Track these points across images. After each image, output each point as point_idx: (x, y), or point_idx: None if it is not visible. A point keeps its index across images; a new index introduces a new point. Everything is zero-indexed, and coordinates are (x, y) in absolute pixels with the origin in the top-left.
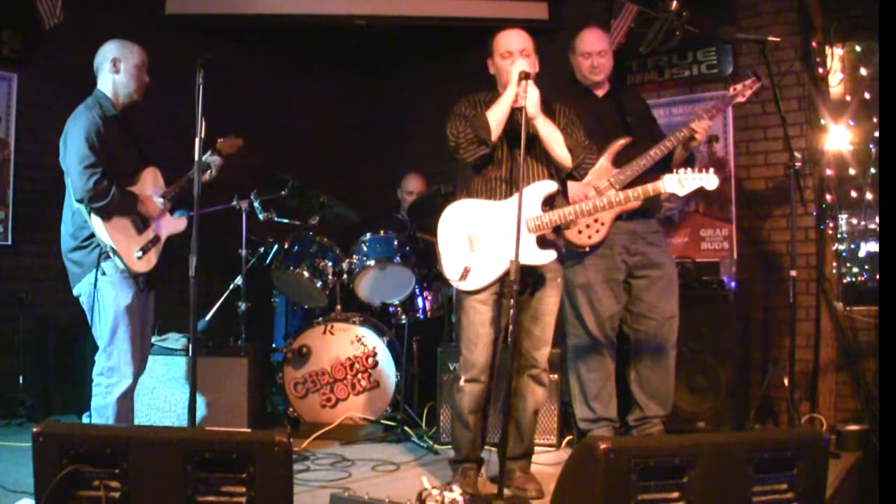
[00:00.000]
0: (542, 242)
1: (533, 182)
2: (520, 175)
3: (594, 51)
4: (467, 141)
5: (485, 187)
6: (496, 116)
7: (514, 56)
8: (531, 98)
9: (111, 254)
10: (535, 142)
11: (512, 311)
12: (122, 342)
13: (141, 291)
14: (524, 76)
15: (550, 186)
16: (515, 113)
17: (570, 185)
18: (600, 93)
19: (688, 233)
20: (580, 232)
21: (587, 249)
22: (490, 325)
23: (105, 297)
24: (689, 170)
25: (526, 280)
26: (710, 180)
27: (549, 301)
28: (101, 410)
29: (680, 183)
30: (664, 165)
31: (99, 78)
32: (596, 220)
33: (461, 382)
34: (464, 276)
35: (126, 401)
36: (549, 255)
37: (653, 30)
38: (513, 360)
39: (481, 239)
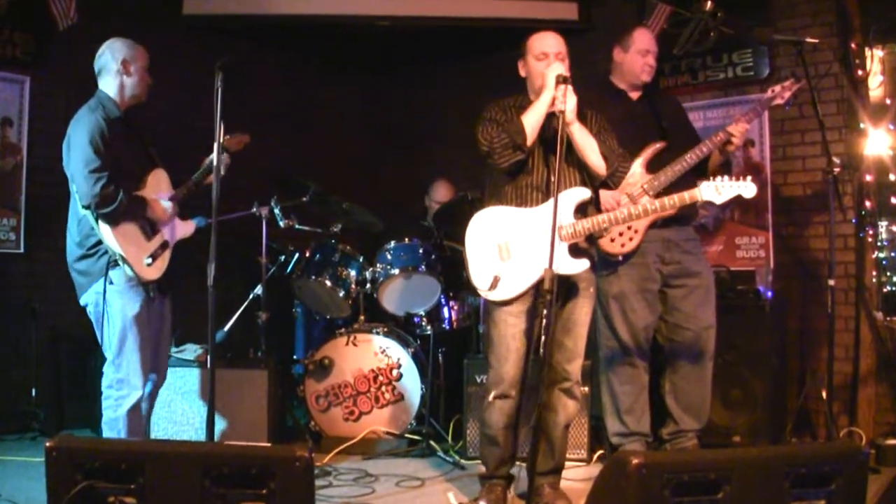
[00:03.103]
0: (575, 251)
1: (566, 189)
2: (555, 182)
3: (652, 49)
4: (502, 146)
5: (516, 194)
6: (532, 121)
7: (550, 58)
8: (570, 103)
9: (120, 262)
10: (568, 148)
11: (545, 321)
12: (130, 353)
13: (151, 299)
14: (562, 80)
15: (584, 193)
16: (550, 118)
17: (602, 191)
18: (635, 95)
19: (723, 241)
20: (613, 240)
21: (620, 258)
22: (522, 338)
23: (113, 307)
24: (726, 177)
25: (558, 290)
26: (748, 188)
27: (582, 312)
28: (111, 424)
29: (717, 191)
30: (700, 171)
31: (102, 79)
32: (629, 228)
33: (490, 398)
34: (493, 286)
35: (137, 413)
36: (583, 265)
37: (686, 31)
38: (544, 373)
39: (512, 247)
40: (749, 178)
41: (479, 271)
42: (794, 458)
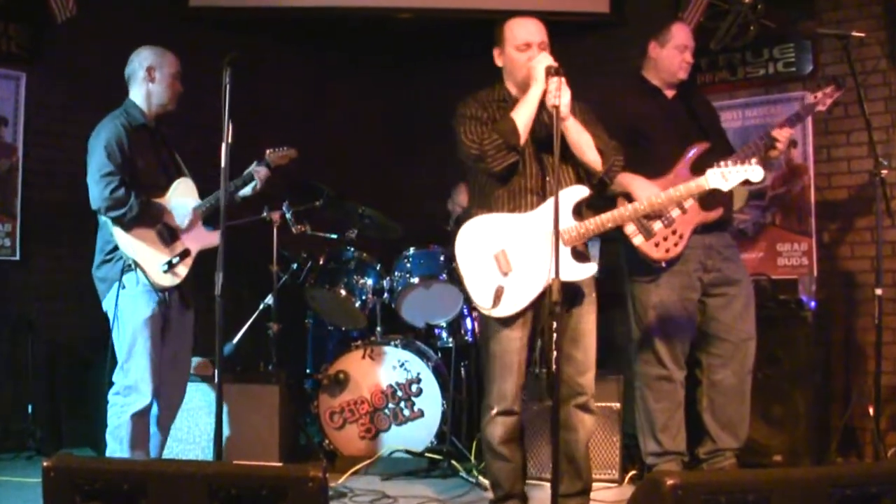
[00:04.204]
0: (578, 255)
1: (561, 189)
2: (555, 182)
3: (690, 45)
4: (495, 148)
5: (509, 199)
6: (525, 118)
7: (534, 49)
8: (564, 97)
9: (133, 267)
10: (560, 143)
11: (556, 335)
12: (139, 357)
13: (168, 308)
14: (554, 72)
15: (582, 192)
16: (539, 113)
17: (644, 190)
18: (670, 93)
19: (763, 247)
20: (657, 245)
21: (663, 264)
22: (523, 352)
23: (124, 312)
24: (729, 162)
25: (563, 299)
26: (754, 172)
27: (588, 319)
28: (115, 432)
29: (724, 177)
30: None
31: (131, 87)
32: (674, 233)
33: (493, 414)
34: (496, 303)
35: (143, 420)
36: (590, 269)
37: (725, 24)
38: (558, 390)
39: (511, 257)
40: (754, 160)
41: (480, 288)
42: (839, 479)
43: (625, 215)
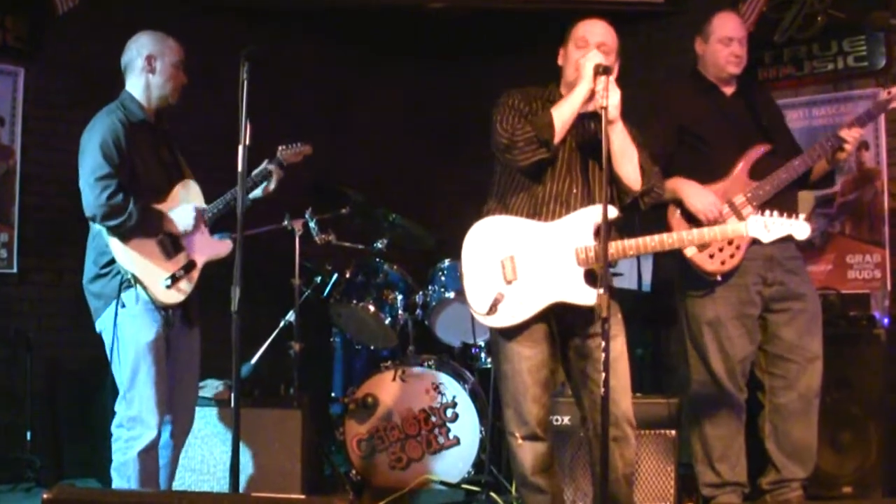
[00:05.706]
0: (592, 279)
1: (593, 204)
2: (605, 189)
3: (737, 36)
4: (525, 140)
5: (530, 203)
6: (564, 115)
7: (590, 48)
8: (613, 98)
9: (133, 282)
10: (600, 154)
11: (604, 354)
12: (143, 386)
13: (170, 327)
14: (601, 70)
15: (610, 212)
16: (581, 118)
17: (698, 197)
18: (728, 90)
19: (831, 259)
20: (712, 256)
21: (718, 278)
22: (538, 373)
23: (124, 334)
24: (776, 213)
25: (575, 322)
26: (801, 228)
27: (618, 341)
28: (121, 469)
29: (766, 227)
30: (802, 180)
31: (127, 78)
32: (730, 243)
33: (519, 440)
34: (493, 309)
35: (150, 455)
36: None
37: (789, 15)
38: (603, 420)
39: (518, 265)
40: (802, 216)
41: (478, 292)
42: None
43: (649, 245)
